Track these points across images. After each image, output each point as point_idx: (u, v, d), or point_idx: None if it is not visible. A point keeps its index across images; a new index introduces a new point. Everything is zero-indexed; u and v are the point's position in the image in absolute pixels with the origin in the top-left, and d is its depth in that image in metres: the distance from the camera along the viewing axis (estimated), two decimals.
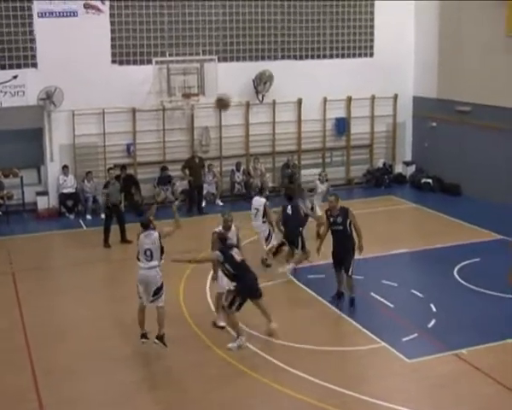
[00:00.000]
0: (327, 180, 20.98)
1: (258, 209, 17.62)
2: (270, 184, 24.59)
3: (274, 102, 24.90)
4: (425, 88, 26.49)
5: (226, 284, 13.72)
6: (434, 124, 26.13)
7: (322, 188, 20.45)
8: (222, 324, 13.98)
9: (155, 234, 13.16)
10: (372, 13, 26.21)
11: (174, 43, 23.71)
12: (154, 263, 13.02)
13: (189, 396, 11.78)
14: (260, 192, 20.77)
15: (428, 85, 26.21)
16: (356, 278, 15.48)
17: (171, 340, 13.05)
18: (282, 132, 25.26)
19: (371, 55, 26.40)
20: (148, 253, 13.04)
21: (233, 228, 14.36)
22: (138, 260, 13.17)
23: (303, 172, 25.48)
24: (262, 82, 24.39)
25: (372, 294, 15.75)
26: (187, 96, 22.60)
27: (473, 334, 13.64)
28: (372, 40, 26.33)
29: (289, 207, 17.36)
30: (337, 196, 15.47)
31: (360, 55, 26.32)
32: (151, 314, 13.04)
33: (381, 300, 15.50)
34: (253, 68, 24.33)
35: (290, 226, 17.29)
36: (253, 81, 24.35)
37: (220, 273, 13.70)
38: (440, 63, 25.75)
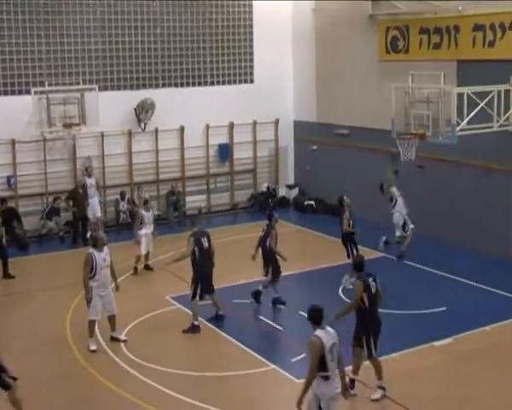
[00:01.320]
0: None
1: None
2: (156, 212, 24.47)
3: (156, 130, 24.89)
4: (305, 112, 27.12)
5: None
6: (315, 147, 26.75)
7: (401, 199, 19.79)
8: (93, 347, 14.33)
9: None
10: (251, 40, 26.65)
11: (53, 72, 23.34)
12: None
13: None
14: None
15: (308, 110, 26.84)
16: (244, 302, 15.93)
17: (58, 373, 12.77)
18: (165, 160, 25.28)
19: (251, 81, 26.83)
20: None
21: (106, 249, 14.57)
22: None
23: (188, 198, 25.60)
24: (144, 110, 24.34)
25: (260, 317, 15.96)
26: (68, 126, 22.27)
27: None
28: (252, 67, 26.77)
29: None
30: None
31: (241, 82, 26.69)
32: None
33: (270, 322, 15.74)
34: (134, 97, 24.25)
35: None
36: (135, 110, 24.28)
37: (94, 302, 14.17)
38: (318, 88, 26.43)
